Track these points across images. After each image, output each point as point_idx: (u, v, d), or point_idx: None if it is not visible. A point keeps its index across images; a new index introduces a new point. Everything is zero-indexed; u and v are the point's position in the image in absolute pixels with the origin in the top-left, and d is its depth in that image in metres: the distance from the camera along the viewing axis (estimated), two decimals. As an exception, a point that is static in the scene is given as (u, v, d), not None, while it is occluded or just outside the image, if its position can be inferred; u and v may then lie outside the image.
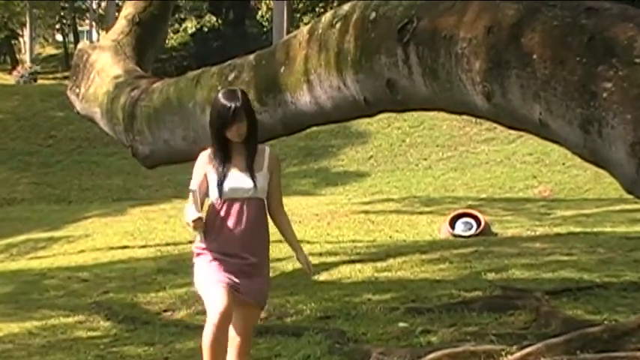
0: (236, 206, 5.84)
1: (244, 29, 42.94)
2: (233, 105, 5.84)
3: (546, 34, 6.46)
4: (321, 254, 12.87)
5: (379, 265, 11.58)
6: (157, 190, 25.63)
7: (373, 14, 7.68)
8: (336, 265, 11.83)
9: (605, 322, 7.14)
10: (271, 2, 34.29)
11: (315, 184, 27.55)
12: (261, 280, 6.03)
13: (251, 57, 9.30)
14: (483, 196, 21.78)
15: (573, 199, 20.12)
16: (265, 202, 5.99)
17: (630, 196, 6.56)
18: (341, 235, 15.39)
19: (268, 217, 6.06)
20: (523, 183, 23.15)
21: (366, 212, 18.22)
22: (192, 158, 11.25)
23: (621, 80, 6.03)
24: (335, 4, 27.59)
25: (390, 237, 15.03)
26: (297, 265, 11.70)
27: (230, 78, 9.25)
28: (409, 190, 24.03)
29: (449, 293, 9.23)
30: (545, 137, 6.98)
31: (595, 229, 13.99)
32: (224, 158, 5.88)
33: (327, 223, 16.49)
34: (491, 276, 10.09)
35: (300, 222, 16.61)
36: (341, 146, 29.41)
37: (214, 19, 45.73)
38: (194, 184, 5.80)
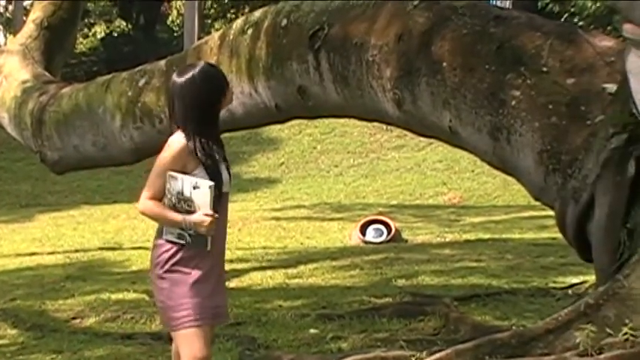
0: (223, 204, 4.95)
1: (155, 34, 42.58)
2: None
3: (456, 42, 6.52)
4: (232, 261, 12.79)
5: (290, 271, 11.56)
6: (66, 197, 25.24)
7: (285, 21, 7.69)
8: (246, 271, 11.78)
9: (514, 327, 7.21)
10: (182, 7, 34.06)
11: (227, 191, 27.32)
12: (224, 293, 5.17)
13: (162, 62, 9.22)
14: (394, 202, 21.89)
15: (482, 206, 20.33)
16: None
17: (538, 203, 6.65)
18: (252, 242, 15.33)
19: None
20: (433, 190, 23.32)
21: (277, 219, 18.19)
22: (101, 164, 11.22)
23: (529, 88, 6.12)
24: (246, 11, 27.54)
25: (301, 243, 15.02)
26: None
27: (140, 84, 9.16)
28: (320, 196, 24.05)
29: (359, 299, 9.26)
30: (455, 144, 7.05)
31: (503, 236, 14.15)
32: (217, 143, 4.99)
33: (238, 230, 16.40)
34: (401, 282, 10.14)
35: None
36: (252, 152, 29.32)
37: (124, 23, 45.29)
38: (192, 179, 4.81)
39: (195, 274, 4.85)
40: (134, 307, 9.44)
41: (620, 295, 5.23)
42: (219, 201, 4.85)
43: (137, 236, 16.28)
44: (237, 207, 20.73)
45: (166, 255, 4.89)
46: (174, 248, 4.88)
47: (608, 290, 5.29)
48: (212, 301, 4.89)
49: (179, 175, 4.82)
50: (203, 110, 4.89)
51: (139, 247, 14.32)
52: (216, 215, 4.77)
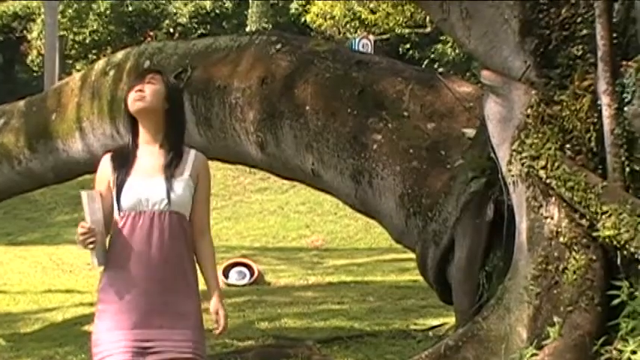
0: (143, 222, 4.28)
1: (14, 74, 41.77)
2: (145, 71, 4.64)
3: (319, 85, 6.57)
4: (91, 304, 12.56)
5: (152, 315, 11.40)
6: None
7: (147, 62, 7.64)
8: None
9: (375, 369, 7.25)
10: (42, 47, 33.49)
11: (87, 234, 26.90)
12: (186, 329, 4.36)
13: (21, 103, 9.05)
14: (257, 245, 21.85)
15: (345, 249, 20.46)
16: (187, 220, 4.36)
17: (399, 246, 6.72)
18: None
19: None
20: (296, 232, 23.37)
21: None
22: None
23: (390, 132, 6.19)
24: (108, 52, 27.29)
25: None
26: (68, 314, 11.50)
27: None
28: (183, 239, 23.83)
29: (222, 342, 9.17)
30: (317, 187, 7.08)
31: (365, 278, 14.24)
32: (128, 156, 4.40)
33: (99, 273, 16.17)
34: (264, 325, 10.10)
35: (71, 271, 16.22)
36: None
37: (-18, 63, 44.37)
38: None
39: (116, 303, 4.29)
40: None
41: (479, 337, 5.29)
42: (136, 219, 4.29)
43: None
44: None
45: (98, 285, 4.44)
46: (100, 275, 4.43)
47: (468, 332, 5.36)
48: (137, 334, 4.22)
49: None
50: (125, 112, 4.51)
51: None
52: (86, 225, 4.20)
